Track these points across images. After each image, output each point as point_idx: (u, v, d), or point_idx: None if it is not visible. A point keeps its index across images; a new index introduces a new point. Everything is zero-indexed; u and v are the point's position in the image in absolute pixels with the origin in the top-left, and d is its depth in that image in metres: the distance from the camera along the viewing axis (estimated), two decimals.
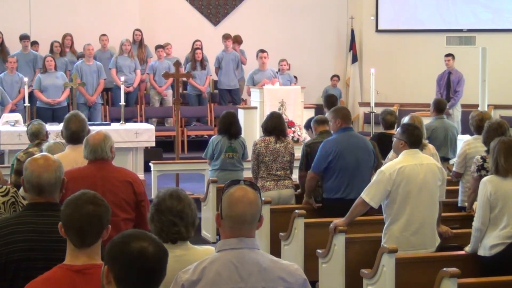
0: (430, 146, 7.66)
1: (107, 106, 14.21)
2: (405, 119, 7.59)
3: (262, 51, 13.05)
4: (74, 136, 5.73)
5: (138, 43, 14.65)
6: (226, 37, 14.62)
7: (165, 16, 15.45)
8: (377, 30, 15.99)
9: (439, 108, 9.72)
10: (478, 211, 5.66)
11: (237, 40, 14.98)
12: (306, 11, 15.94)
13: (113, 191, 5.05)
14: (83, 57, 13.44)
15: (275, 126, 8.21)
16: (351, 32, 16.08)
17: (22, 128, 11.13)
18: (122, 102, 11.72)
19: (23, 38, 13.66)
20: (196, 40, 14.73)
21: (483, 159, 6.70)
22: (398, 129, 6.15)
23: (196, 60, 14.43)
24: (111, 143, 5.31)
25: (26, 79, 11.72)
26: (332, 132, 7.45)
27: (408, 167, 5.84)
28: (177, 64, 11.30)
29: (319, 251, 6.50)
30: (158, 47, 14.40)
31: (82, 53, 13.71)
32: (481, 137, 7.09)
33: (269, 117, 8.39)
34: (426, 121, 12.38)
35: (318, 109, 14.56)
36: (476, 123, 7.65)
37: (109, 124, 11.73)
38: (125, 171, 5.45)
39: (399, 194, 5.80)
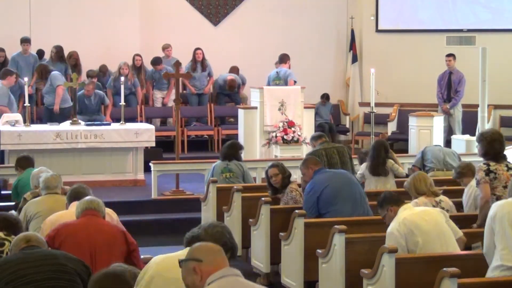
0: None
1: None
2: (408, 181, 7.22)
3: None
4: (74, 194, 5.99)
5: (138, 68, 14.52)
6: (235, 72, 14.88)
7: (165, 16, 15.45)
8: (377, 30, 15.99)
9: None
10: (484, 237, 5.58)
11: (234, 71, 14.99)
12: (306, 11, 15.94)
13: (108, 241, 5.26)
14: (90, 76, 13.63)
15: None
16: (351, 32, 16.07)
17: (22, 128, 11.15)
18: (122, 102, 11.73)
19: (24, 41, 13.69)
20: (197, 49, 14.65)
21: (487, 164, 6.71)
22: (378, 210, 6.22)
23: (197, 60, 14.43)
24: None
25: (26, 79, 11.71)
26: (306, 180, 7.41)
27: (410, 217, 5.84)
28: (177, 64, 11.30)
29: (319, 251, 6.51)
30: (155, 60, 14.45)
31: (90, 72, 13.93)
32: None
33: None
34: (426, 122, 12.49)
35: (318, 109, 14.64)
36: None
37: (109, 124, 11.73)
38: (115, 224, 5.71)
39: (418, 242, 5.76)
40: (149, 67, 14.83)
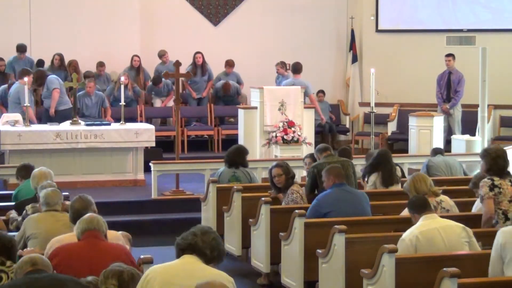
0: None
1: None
2: (407, 182, 7.08)
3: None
4: (78, 215, 5.55)
5: (136, 68, 14.62)
6: (230, 64, 14.65)
7: (165, 17, 15.44)
8: (377, 30, 15.98)
9: (437, 152, 10.11)
10: (490, 264, 5.53)
11: (229, 64, 14.91)
12: (306, 11, 15.93)
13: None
14: (87, 77, 13.63)
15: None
16: (351, 32, 16.07)
17: (22, 128, 11.15)
18: (122, 102, 11.73)
19: (19, 49, 13.82)
20: (197, 52, 14.73)
21: (491, 179, 6.67)
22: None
23: (197, 64, 14.45)
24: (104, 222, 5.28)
25: (26, 79, 11.71)
26: (326, 188, 7.32)
27: (427, 231, 5.78)
28: (177, 64, 11.30)
29: (319, 251, 6.51)
30: (155, 79, 14.49)
31: (88, 72, 13.98)
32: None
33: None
34: (426, 122, 12.48)
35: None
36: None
37: (109, 124, 11.73)
38: (117, 244, 5.35)
39: None
40: (148, 67, 14.86)
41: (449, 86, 14.01)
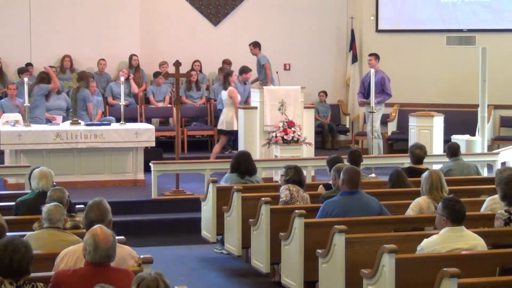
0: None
1: (107, 106, 14.22)
2: (424, 175, 6.99)
3: None
4: (92, 226, 5.04)
5: (135, 68, 14.68)
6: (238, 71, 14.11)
7: (165, 16, 15.45)
8: (377, 30, 15.98)
9: (453, 152, 9.54)
10: None
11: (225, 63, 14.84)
12: (306, 11, 15.94)
13: None
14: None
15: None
16: (351, 32, 16.07)
17: (22, 128, 11.15)
18: (122, 102, 11.73)
19: (22, 71, 13.85)
20: (195, 61, 14.80)
21: (508, 211, 6.37)
22: (440, 203, 5.85)
23: (191, 81, 14.51)
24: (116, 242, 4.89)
25: (26, 79, 11.71)
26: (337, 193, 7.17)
27: (449, 248, 5.63)
28: (177, 64, 11.30)
29: (319, 251, 6.51)
30: (156, 74, 14.62)
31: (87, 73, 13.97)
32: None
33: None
34: (426, 122, 12.48)
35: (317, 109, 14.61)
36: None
37: (109, 124, 11.74)
38: (126, 274, 4.82)
39: None
40: (147, 67, 14.88)
41: (370, 86, 13.22)
